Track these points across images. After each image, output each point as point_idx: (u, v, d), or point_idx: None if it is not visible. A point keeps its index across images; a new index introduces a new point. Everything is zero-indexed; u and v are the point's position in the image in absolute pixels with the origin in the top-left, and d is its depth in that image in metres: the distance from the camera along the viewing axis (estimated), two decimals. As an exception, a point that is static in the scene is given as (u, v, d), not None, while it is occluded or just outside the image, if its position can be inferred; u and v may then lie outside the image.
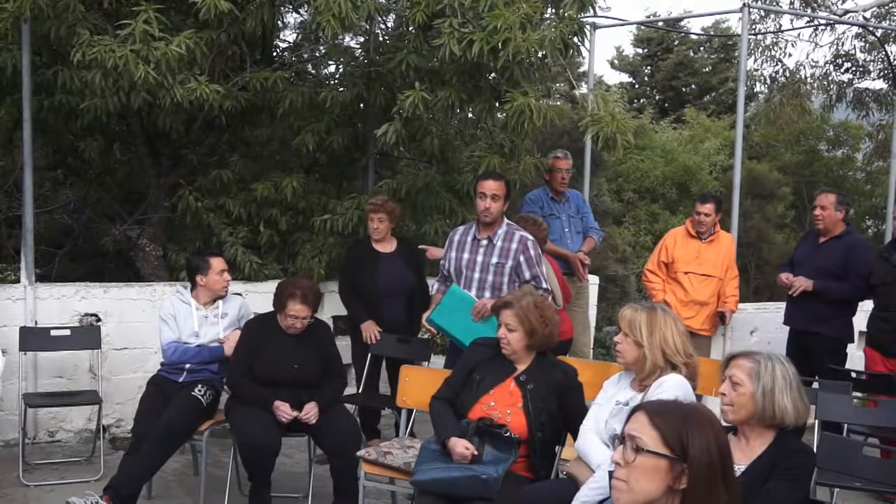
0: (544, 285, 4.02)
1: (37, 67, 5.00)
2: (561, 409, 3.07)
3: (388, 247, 4.79)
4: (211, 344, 4.02)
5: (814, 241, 4.98)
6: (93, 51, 4.13)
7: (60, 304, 4.87)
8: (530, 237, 4.10)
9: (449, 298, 4.06)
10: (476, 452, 2.95)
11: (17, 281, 4.92)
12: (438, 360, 4.97)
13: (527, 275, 4.02)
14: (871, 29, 9.65)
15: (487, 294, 4.02)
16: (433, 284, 4.40)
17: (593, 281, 6.52)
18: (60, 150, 6.19)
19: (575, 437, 2.96)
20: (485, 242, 4.07)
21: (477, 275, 4.07)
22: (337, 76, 5.91)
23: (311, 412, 3.66)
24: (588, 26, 5.40)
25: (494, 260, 4.04)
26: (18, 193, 5.52)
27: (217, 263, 4.08)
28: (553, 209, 5.55)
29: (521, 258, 4.02)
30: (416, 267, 4.82)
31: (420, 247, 4.93)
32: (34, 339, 4.58)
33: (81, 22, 4.44)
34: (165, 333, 4.02)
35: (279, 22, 5.61)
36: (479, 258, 4.07)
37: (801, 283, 4.79)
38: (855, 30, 9.87)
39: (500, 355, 3.19)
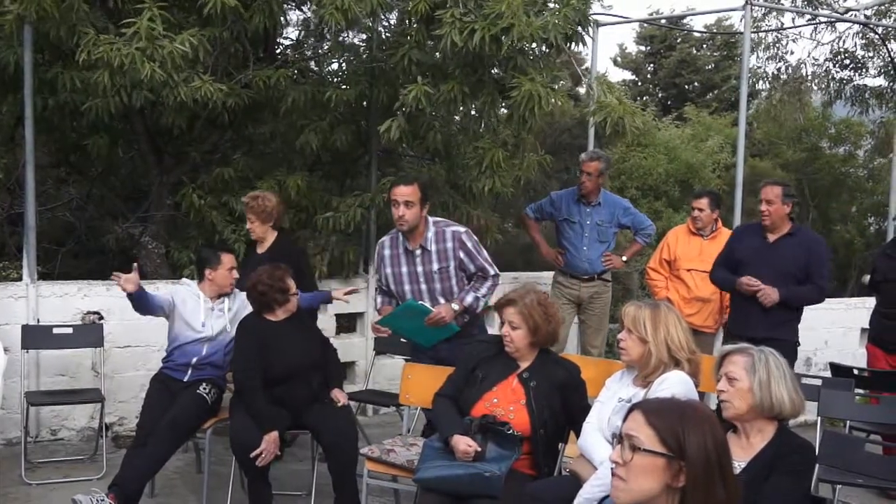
0: (491, 272, 3.88)
1: (39, 65, 5.00)
2: (564, 406, 3.07)
3: (262, 247, 4.55)
4: (218, 337, 4.02)
5: (760, 240, 4.40)
6: (98, 50, 4.13)
7: (63, 301, 4.87)
8: (462, 228, 3.92)
9: (403, 309, 3.82)
10: (479, 450, 2.95)
11: (20, 279, 4.93)
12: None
13: (471, 268, 3.86)
14: (871, 27, 9.64)
15: (442, 301, 3.83)
16: (377, 298, 4.14)
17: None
18: (63, 147, 6.20)
19: (578, 435, 2.96)
20: (419, 252, 3.85)
21: (424, 286, 3.85)
22: (340, 74, 5.91)
23: (340, 396, 3.78)
24: (591, 23, 5.38)
25: (436, 266, 3.83)
26: (21, 191, 5.53)
27: (228, 260, 4.06)
28: (573, 213, 5.28)
29: (461, 254, 3.83)
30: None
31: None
32: (36, 337, 4.59)
33: (84, 21, 4.44)
34: (163, 294, 4.01)
35: (282, 19, 5.61)
36: (420, 268, 3.86)
37: (771, 296, 4.22)
38: (856, 28, 9.85)
39: (502, 352, 3.19)
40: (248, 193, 4.60)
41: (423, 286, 3.87)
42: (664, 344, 2.76)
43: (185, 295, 4.03)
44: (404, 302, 3.88)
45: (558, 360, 3.20)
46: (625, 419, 1.72)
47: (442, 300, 3.85)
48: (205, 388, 3.87)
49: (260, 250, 4.55)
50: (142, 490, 3.64)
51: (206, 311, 4.02)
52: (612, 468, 1.71)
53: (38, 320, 4.79)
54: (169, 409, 3.76)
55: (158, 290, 4.99)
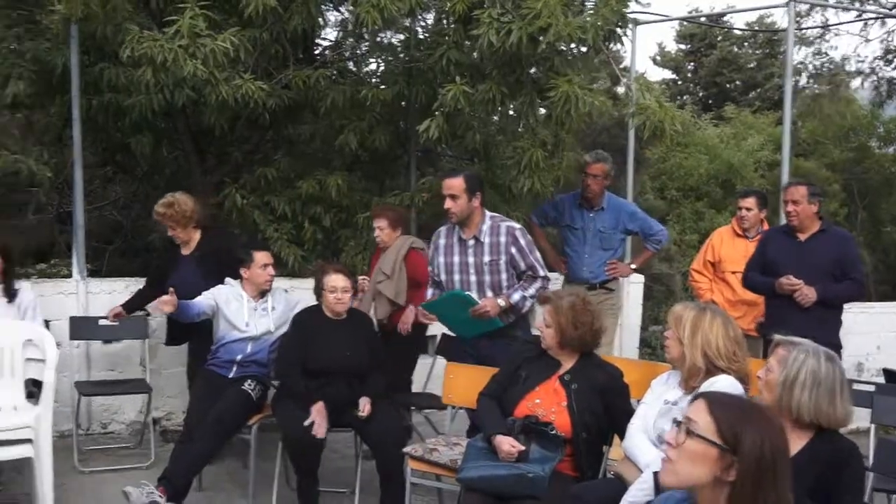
0: (541, 273, 3.85)
1: (85, 66, 5.12)
2: (606, 410, 3.04)
3: (187, 249, 4.49)
4: (263, 337, 4.07)
5: (790, 240, 4.40)
6: (142, 46, 4.21)
7: (111, 298, 4.97)
8: (517, 225, 3.88)
9: (449, 297, 3.84)
10: (523, 449, 2.94)
11: (70, 276, 5.06)
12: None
13: (522, 265, 3.83)
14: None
15: (489, 294, 3.83)
16: (429, 291, 4.13)
17: (638, 280, 6.42)
18: (109, 147, 6.33)
19: (622, 438, 2.93)
20: (472, 242, 3.86)
21: (473, 277, 3.85)
22: (378, 74, 5.94)
23: (365, 407, 3.70)
24: (630, 22, 5.30)
25: (487, 258, 3.83)
26: (69, 190, 5.67)
27: (261, 257, 4.09)
28: (575, 219, 4.97)
29: (513, 250, 3.81)
30: (212, 268, 4.29)
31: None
32: (83, 327, 4.73)
33: (128, 21, 4.53)
34: (205, 298, 4.02)
35: (320, 20, 5.66)
36: (471, 259, 3.86)
37: (808, 296, 4.20)
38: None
39: (546, 353, 3.18)
40: (159, 202, 4.44)
41: (473, 277, 3.88)
42: (700, 349, 2.71)
43: (228, 295, 4.08)
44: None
45: (600, 364, 3.17)
46: (690, 404, 1.72)
47: (490, 293, 3.85)
48: (250, 385, 3.92)
49: (186, 251, 4.49)
50: (190, 484, 3.70)
51: (249, 310, 4.07)
52: (664, 449, 1.71)
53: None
54: (215, 405, 3.81)
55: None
